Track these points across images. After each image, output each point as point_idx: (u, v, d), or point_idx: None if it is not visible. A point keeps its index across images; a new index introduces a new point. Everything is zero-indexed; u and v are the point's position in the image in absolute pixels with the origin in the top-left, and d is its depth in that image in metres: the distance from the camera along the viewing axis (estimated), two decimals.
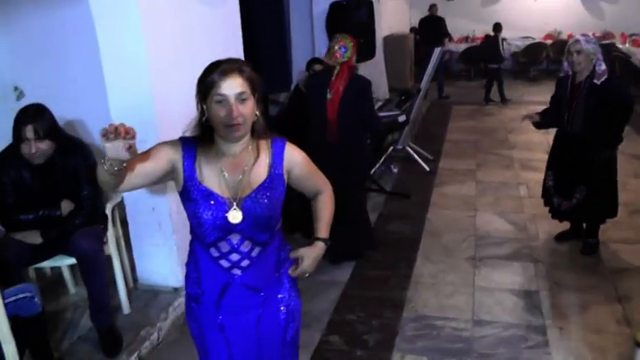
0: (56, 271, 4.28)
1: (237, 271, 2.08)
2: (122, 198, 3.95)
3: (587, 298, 3.96)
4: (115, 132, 1.68)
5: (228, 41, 4.48)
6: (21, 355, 3.01)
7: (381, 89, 10.14)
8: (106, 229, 3.70)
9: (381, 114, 6.19)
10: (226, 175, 2.00)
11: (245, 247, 2.05)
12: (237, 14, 4.58)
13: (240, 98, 1.90)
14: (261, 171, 2.03)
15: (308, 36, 7.81)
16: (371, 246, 4.82)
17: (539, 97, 11.76)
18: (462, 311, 3.88)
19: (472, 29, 14.93)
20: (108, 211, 3.75)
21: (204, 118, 1.98)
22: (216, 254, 2.05)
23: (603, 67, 4.17)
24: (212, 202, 1.97)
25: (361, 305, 4.00)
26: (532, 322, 3.73)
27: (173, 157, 1.98)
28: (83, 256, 3.39)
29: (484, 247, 4.85)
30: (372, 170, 6.62)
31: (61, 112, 3.87)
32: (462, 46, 14.64)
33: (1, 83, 5.19)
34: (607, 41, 13.03)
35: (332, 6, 7.52)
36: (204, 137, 2.01)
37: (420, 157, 7.24)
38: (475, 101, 11.70)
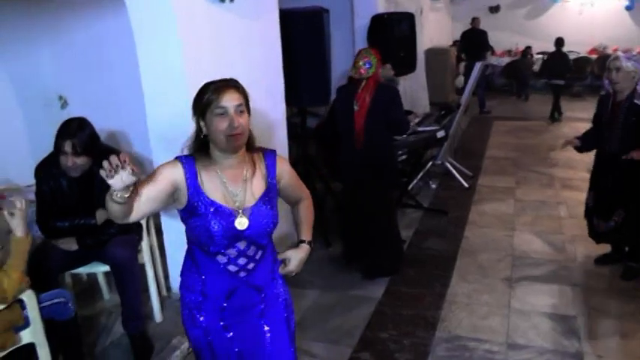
0: (92, 277, 4.36)
1: (243, 274, 2.23)
2: None
3: (626, 326, 3.83)
4: (114, 167, 1.82)
5: (267, 55, 4.51)
6: (55, 359, 3.07)
7: (421, 103, 10.08)
8: (140, 238, 3.75)
9: (420, 129, 6.14)
10: (229, 186, 2.15)
11: (251, 251, 2.21)
12: (277, 28, 4.61)
13: (239, 110, 2.08)
14: (259, 181, 2.22)
15: (349, 49, 7.79)
16: (398, 260, 4.81)
17: (583, 113, 11.49)
18: (496, 333, 3.80)
19: (515, 42, 14.74)
20: (143, 221, 3.80)
21: (202, 135, 2.12)
22: (224, 260, 2.18)
23: None
24: (220, 214, 2.10)
25: (394, 323, 3.96)
26: (568, 348, 3.62)
27: (176, 176, 2.09)
28: (117, 264, 3.46)
29: (521, 267, 4.75)
30: (410, 186, 6.58)
31: (103, 121, 3.95)
32: (505, 60, 14.45)
33: (46, 92, 5.33)
34: None
35: (373, 19, 7.49)
36: (201, 152, 2.15)
37: (458, 173, 7.16)
38: (517, 117, 11.54)
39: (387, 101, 4.38)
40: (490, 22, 13.59)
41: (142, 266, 3.78)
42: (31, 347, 2.99)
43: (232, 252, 2.17)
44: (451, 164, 7.27)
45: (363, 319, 3.99)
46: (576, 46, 13.77)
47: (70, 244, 3.49)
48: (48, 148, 3.58)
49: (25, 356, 3.13)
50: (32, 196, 3.99)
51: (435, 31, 12.19)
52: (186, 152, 2.17)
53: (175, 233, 4.03)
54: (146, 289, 3.82)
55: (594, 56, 13.72)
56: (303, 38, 4.93)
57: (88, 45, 5.15)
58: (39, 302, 2.97)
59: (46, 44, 5.25)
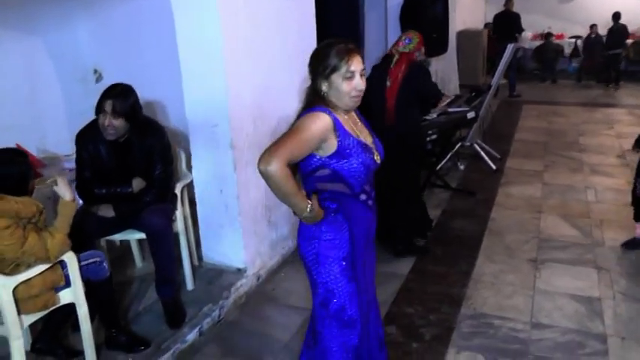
0: (125, 244, 4.48)
1: (371, 202, 2.46)
2: (192, 179, 4.09)
3: None
4: None
5: (302, 31, 4.55)
6: (92, 320, 3.19)
7: (451, 85, 10.06)
8: (175, 207, 3.84)
9: (450, 109, 6.15)
10: (354, 127, 2.38)
11: (370, 185, 2.45)
12: (312, 6, 4.64)
13: (362, 73, 2.30)
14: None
15: (381, 29, 7.81)
16: (424, 230, 4.96)
17: (616, 99, 11.43)
18: (521, 312, 3.85)
19: (548, 26, 14.54)
20: (177, 191, 3.90)
21: (323, 92, 2.30)
22: (364, 197, 2.41)
23: None
24: (366, 151, 2.33)
25: (420, 299, 4.02)
26: (592, 329, 3.66)
27: (326, 127, 2.24)
28: (153, 232, 3.55)
29: (547, 250, 4.78)
30: (439, 166, 6.61)
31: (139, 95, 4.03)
32: (536, 43, 14.29)
33: (82, 66, 5.45)
34: None
35: (407, 0, 7.49)
36: (327, 104, 2.31)
37: (487, 155, 7.16)
38: (547, 101, 11.46)
39: (418, 77, 4.44)
40: (522, 4, 13.34)
41: (176, 235, 3.87)
42: (69, 307, 3.11)
43: (368, 187, 2.42)
44: (480, 146, 7.27)
45: (390, 295, 4.06)
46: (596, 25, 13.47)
47: (108, 211, 3.58)
48: (83, 120, 3.68)
49: (63, 316, 3.27)
50: (70, 165, 4.13)
51: (468, 13, 12.08)
52: (301, 103, 2.40)
53: (208, 205, 4.14)
54: (179, 258, 3.90)
55: (630, 41, 13.41)
56: (338, 16, 4.97)
57: (124, 21, 5.23)
58: (79, 262, 3.08)
59: (83, 19, 5.34)
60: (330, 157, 2.27)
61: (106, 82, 5.17)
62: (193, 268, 4.12)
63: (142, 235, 3.66)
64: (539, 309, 3.89)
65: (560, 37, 14.51)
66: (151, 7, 4.97)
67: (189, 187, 4.16)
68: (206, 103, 3.85)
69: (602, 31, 13.31)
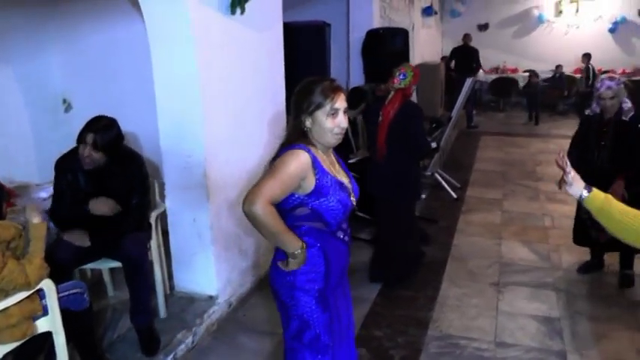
0: (96, 273, 4.49)
1: (347, 238, 2.55)
2: (165, 208, 4.17)
3: (607, 327, 4.06)
4: None
5: (272, 65, 4.72)
6: None
7: None
8: (150, 237, 3.91)
9: None
10: (333, 168, 2.45)
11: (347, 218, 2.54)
12: (281, 40, 4.82)
13: (345, 111, 2.38)
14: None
15: (344, 62, 8.04)
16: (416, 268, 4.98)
17: (568, 130, 11.84)
18: (485, 333, 4.01)
19: (503, 60, 15.11)
20: (152, 220, 3.97)
21: (305, 128, 2.37)
22: (341, 235, 2.49)
23: (629, 104, 4.33)
24: (342, 190, 2.40)
25: (388, 322, 4.15)
26: (553, 347, 3.84)
27: (305, 165, 2.30)
28: (131, 260, 3.60)
29: (508, 273, 4.97)
30: None
31: None
32: (492, 77, 14.79)
33: (52, 96, 5.49)
34: (638, 77, 13.13)
35: (369, 34, 7.73)
36: (308, 141, 2.38)
37: (447, 184, 7.39)
38: (503, 132, 11.85)
39: (407, 115, 4.46)
40: (479, 39, 13.90)
41: (151, 264, 3.93)
42: (45, 336, 3.11)
43: (345, 224, 2.51)
44: (440, 176, 7.50)
45: (359, 319, 4.14)
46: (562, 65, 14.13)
47: (83, 240, 3.61)
48: (51, 149, 3.75)
49: (39, 345, 3.28)
50: (42, 194, 4.17)
51: (426, 46, 12.47)
52: (280, 140, 2.46)
53: (181, 234, 4.21)
54: (152, 287, 3.94)
55: (579, 75, 14.07)
56: (305, 50, 5.13)
57: (98, 51, 5.31)
58: (58, 293, 3.12)
59: (56, 49, 5.41)
60: (309, 195, 2.33)
61: (77, 113, 5.26)
62: (165, 296, 4.16)
63: (117, 264, 3.70)
64: (502, 329, 4.06)
65: (515, 71, 15.05)
66: (126, 37, 5.06)
67: (162, 216, 4.23)
68: (181, 133, 3.95)
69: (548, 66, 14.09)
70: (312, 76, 2.45)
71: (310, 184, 2.31)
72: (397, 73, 4.50)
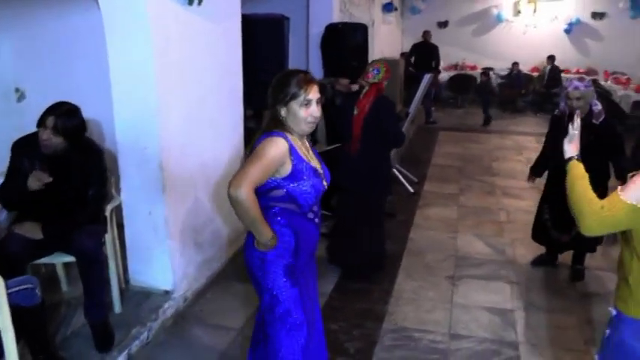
0: (49, 268, 4.39)
1: (317, 220, 2.70)
2: (120, 202, 4.11)
3: (559, 319, 4.17)
4: None
5: (229, 58, 4.69)
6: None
7: None
8: (105, 230, 3.85)
9: None
10: (308, 155, 2.60)
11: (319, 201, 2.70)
12: (239, 32, 4.79)
13: (318, 102, 2.52)
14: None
15: (303, 56, 8.03)
16: (378, 265, 4.97)
17: (525, 127, 12.10)
18: (440, 325, 4.07)
19: (462, 57, 15.30)
20: (107, 214, 3.90)
21: (282, 116, 2.51)
22: (312, 216, 2.64)
23: (599, 106, 4.34)
24: (315, 175, 2.57)
25: (344, 316, 4.17)
26: (505, 337, 3.93)
27: (284, 154, 2.46)
28: (84, 254, 3.52)
29: (463, 267, 5.05)
30: None
31: None
32: (451, 74, 14.96)
33: (4, 84, 5.34)
34: (590, 77, 13.45)
35: (328, 28, 7.74)
36: (285, 129, 2.52)
37: (405, 179, 7.45)
38: (461, 128, 12.01)
39: (381, 109, 4.54)
40: (439, 36, 14.06)
41: (106, 258, 3.86)
42: None
43: (316, 207, 2.67)
44: (398, 170, 7.56)
45: None
46: (521, 64, 14.38)
47: (35, 232, 3.50)
48: (5, 139, 3.65)
49: None
50: None
51: (386, 42, 12.54)
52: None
53: (136, 228, 4.16)
54: (107, 281, 3.89)
55: (536, 74, 14.38)
56: (264, 44, 5.11)
57: (52, 39, 5.16)
58: (6, 288, 3.05)
59: (7, 36, 5.24)
60: (285, 179, 2.49)
61: (31, 103, 5.14)
62: (121, 290, 4.10)
63: (71, 258, 3.62)
64: (457, 321, 4.13)
65: (474, 68, 15.26)
66: (84, 24, 4.89)
67: (117, 209, 4.16)
68: (136, 124, 3.89)
69: (506, 63, 14.38)
70: (290, 69, 2.71)
71: (287, 168, 2.47)
72: (371, 69, 4.62)
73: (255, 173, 2.38)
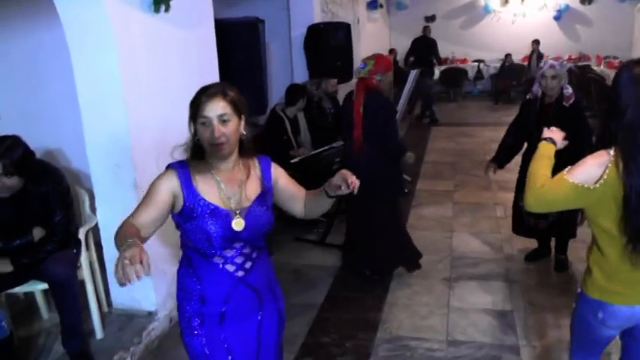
0: (29, 296, 4.25)
1: (241, 273, 2.22)
2: (96, 222, 3.95)
3: (560, 317, 3.99)
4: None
5: (203, 65, 4.52)
6: None
7: None
8: (79, 253, 3.68)
9: None
10: (224, 188, 2.18)
11: (247, 250, 2.21)
12: (213, 38, 4.63)
13: (222, 119, 2.07)
14: (254, 185, 2.26)
15: (286, 59, 7.88)
16: (407, 262, 4.78)
17: None
18: (437, 332, 3.90)
19: (451, 51, 15.13)
20: (81, 236, 3.75)
21: (196, 138, 2.14)
22: (220, 261, 2.18)
23: (570, 90, 4.35)
24: (217, 216, 2.13)
25: (335, 327, 4.01)
26: (506, 341, 3.76)
27: (172, 185, 2.12)
28: (56, 282, 3.38)
29: (460, 267, 4.89)
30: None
31: (38, 135, 3.87)
32: (442, 68, 14.80)
33: None
34: (583, 63, 13.33)
35: (310, 29, 7.59)
36: (196, 155, 2.18)
37: None
38: (454, 122, 11.84)
39: (376, 111, 4.34)
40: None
41: (82, 282, 3.71)
42: None
43: (229, 251, 2.18)
44: None
45: (305, 326, 4.03)
46: (511, 54, 14.24)
47: (5, 266, 3.37)
48: None
49: None
50: None
51: (372, 40, 12.39)
52: (178, 154, 2.20)
53: (115, 248, 3.98)
54: (86, 306, 3.74)
55: (526, 63, 14.21)
56: (239, 48, 4.97)
57: (22, 57, 5.03)
58: None
59: None
60: (180, 215, 2.16)
61: (4, 122, 4.98)
62: (102, 315, 3.95)
63: (45, 286, 3.49)
64: (454, 326, 3.96)
65: (464, 61, 15.10)
66: (53, 42, 4.76)
67: (95, 229, 4.00)
68: (108, 142, 3.74)
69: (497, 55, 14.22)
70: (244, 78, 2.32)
71: (179, 204, 2.13)
72: (360, 64, 4.46)
73: (139, 207, 2.10)
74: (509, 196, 6.52)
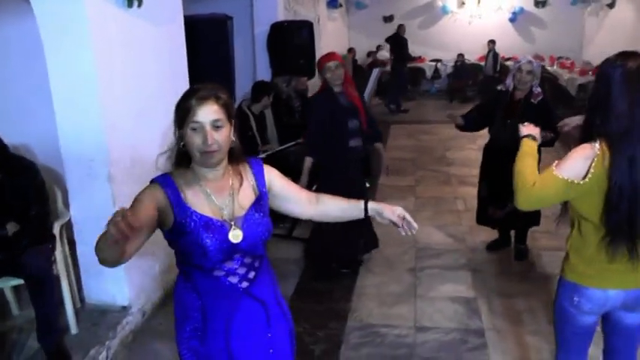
0: None
1: (245, 284, 2.07)
2: (70, 217, 3.97)
3: (521, 303, 4.19)
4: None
5: (173, 61, 4.56)
6: None
7: None
8: (54, 248, 3.70)
9: None
10: (214, 198, 2.02)
11: (248, 259, 2.06)
12: (182, 34, 4.67)
13: (215, 125, 1.92)
14: (248, 191, 2.10)
15: (249, 56, 7.93)
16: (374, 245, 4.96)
17: None
18: (405, 319, 4.04)
19: (410, 50, 15.35)
20: (56, 231, 3.76)
21: (181, 144, 1.99)
22: (221, 274, 2.03)
23: (539, 89, 4.55)
24: (211, 228, 1.97)
25: (306, 318, 4.10)
26: (471, 326, 3.93)
27: (157, 199, 1.96)
28: (33, 276, 3.37)
29: (424, 258, 5.05)
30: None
31: (4, 131, 3.85)
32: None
33: None
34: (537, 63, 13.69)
35: (273, 27, 7.65)
36: (181, 163, 2.04)
37: None
38: (414, 120, 12.05)
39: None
40: (385, 31, 14.11)
41: (57, 277, 3.72)
42: None
43: (230, 263, 2.03)
44: None
45: None
46: (467, 54, 14.58)
47: None
48: None
49: None
50: None
51: (333, 39, 12.51)
52: (162, 162, 2.06)
53: (88, 243, 3.98)
54: (60, 301, 3.74)
55: (483, 63, 14.53)
56: (207, 45, 5.01)
57: None
58: None
59: None
60: (171, 232, 1.99)
61: None
62: (76, 310, 3.95)
63: (19, 282, 3.48)
64: (421, 314, 4.11)
65: (422, 60, 15.37)
66: (20, 37, 4.74)
67: (68, 225, 4.02)
68: (81, 137, 3.74)
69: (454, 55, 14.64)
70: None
71: (169, 221, 1.97)
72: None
73: None
74: (470, 190, 6.77)
